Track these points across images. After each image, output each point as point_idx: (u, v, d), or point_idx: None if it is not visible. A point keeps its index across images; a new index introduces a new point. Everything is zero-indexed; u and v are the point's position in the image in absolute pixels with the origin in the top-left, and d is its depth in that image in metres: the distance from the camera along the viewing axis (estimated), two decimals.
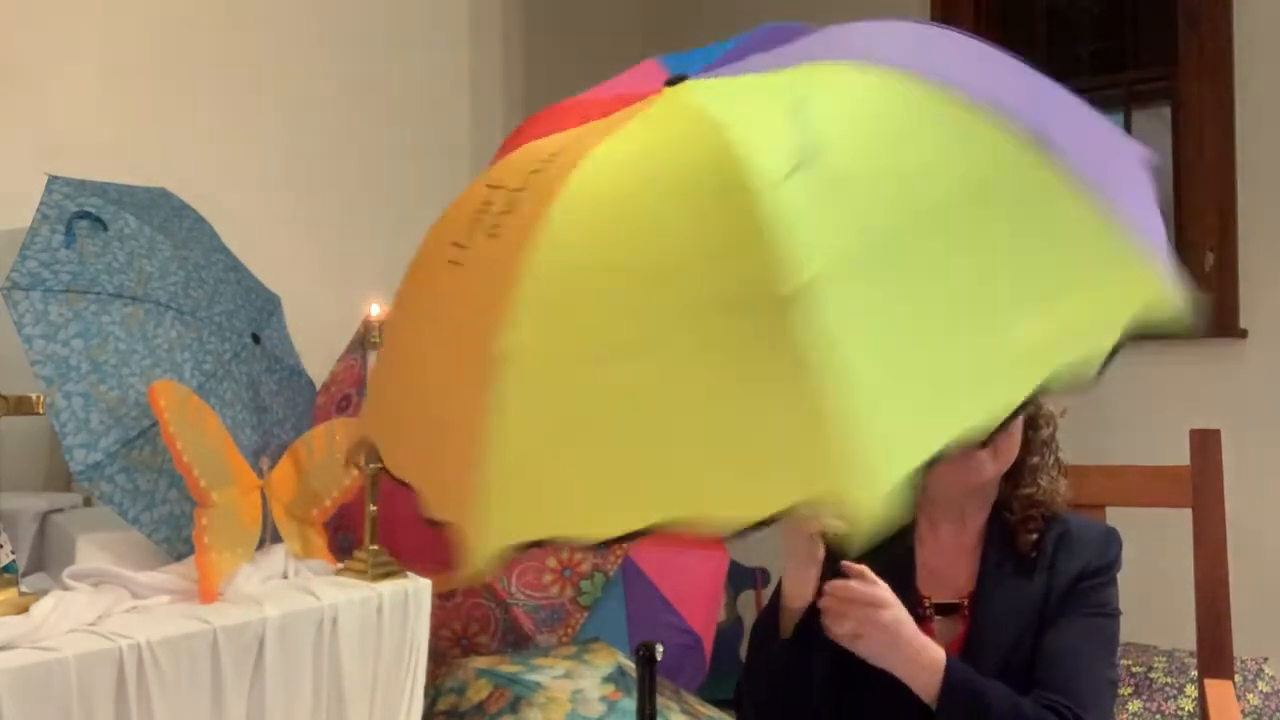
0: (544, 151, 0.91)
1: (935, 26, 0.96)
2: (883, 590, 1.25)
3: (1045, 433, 1.43)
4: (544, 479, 0.77)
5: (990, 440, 0.73)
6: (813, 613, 1.29)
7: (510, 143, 1.11)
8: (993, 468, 1.38)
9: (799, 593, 1.31)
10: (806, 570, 1.29)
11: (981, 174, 0.77)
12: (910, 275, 0.73)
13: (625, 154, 0.84)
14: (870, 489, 0.67)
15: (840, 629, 1.24)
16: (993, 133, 0.78)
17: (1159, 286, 0.79)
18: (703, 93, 0.87)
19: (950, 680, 1.27)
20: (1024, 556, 1.40)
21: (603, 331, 0.77)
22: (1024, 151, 0.78)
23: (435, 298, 0.93)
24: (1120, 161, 0.89)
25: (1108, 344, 0.76)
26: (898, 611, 1.26)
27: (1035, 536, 1.40)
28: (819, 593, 1.26)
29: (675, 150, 0.81)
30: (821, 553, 1.26)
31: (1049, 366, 0.73)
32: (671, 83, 0.92)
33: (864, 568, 1.26)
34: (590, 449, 0.75)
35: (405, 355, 0.96)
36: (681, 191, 0.78)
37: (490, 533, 0.75)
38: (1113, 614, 1.40)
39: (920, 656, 1.27)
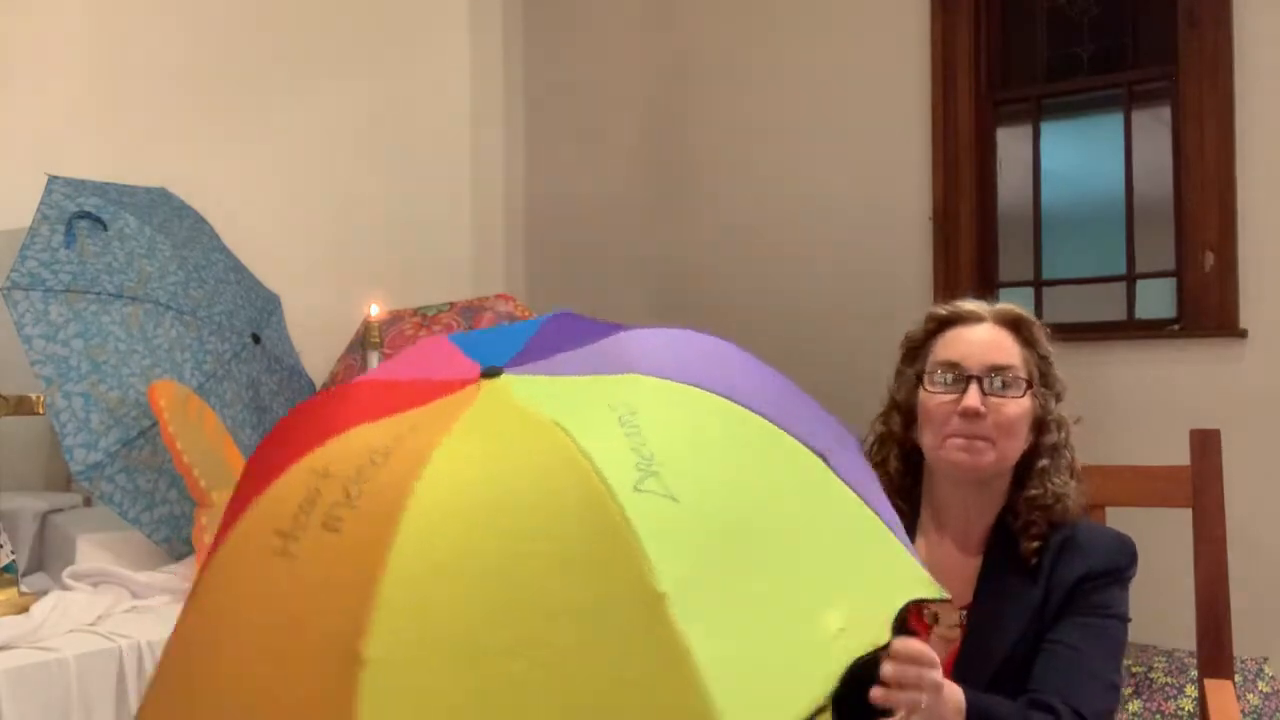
0: (375, 443, 0.93)
1: (707, 339, 1.05)
2: (936, 671, 1.17)
3: (1056, 437, 1.41)
4: None
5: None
6: None
7: (287, 426, 1.09)
8: (992, 455, 1.36)
9: None
10: None
11: (785, 482, 0.90)
12: (742, 577, 0.82)
13: (469, 458, 0.88)
14: None
15: (904, 707, 1.14)
16: (789, 448, 0.92)
17: (920, 575, 0.91)
18: (533, 393, 0.93)
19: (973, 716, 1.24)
20: (1024, 563, 1.39)
21: (475, 634, 0.80)
22: (814, 464, 0.92)
23: (262, 588, 0.91)
24: (850, 449, 1.04)
25: (884, 634, 0.84)
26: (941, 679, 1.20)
27: (1037, 544, 1.38)
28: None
29: (526, 457, 0.87)
30: None
31: (850, 651, 0.81)
32: (487, 374, 0.97)
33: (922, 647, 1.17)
34: None
35: (215, 644, 0.93)
36: (541, 500, 0.84)
37: None
38: (1114, 616, 1.37)
39: (949, 703, 1.22)
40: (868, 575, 0.89)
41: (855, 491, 0.93)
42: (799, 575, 0.85)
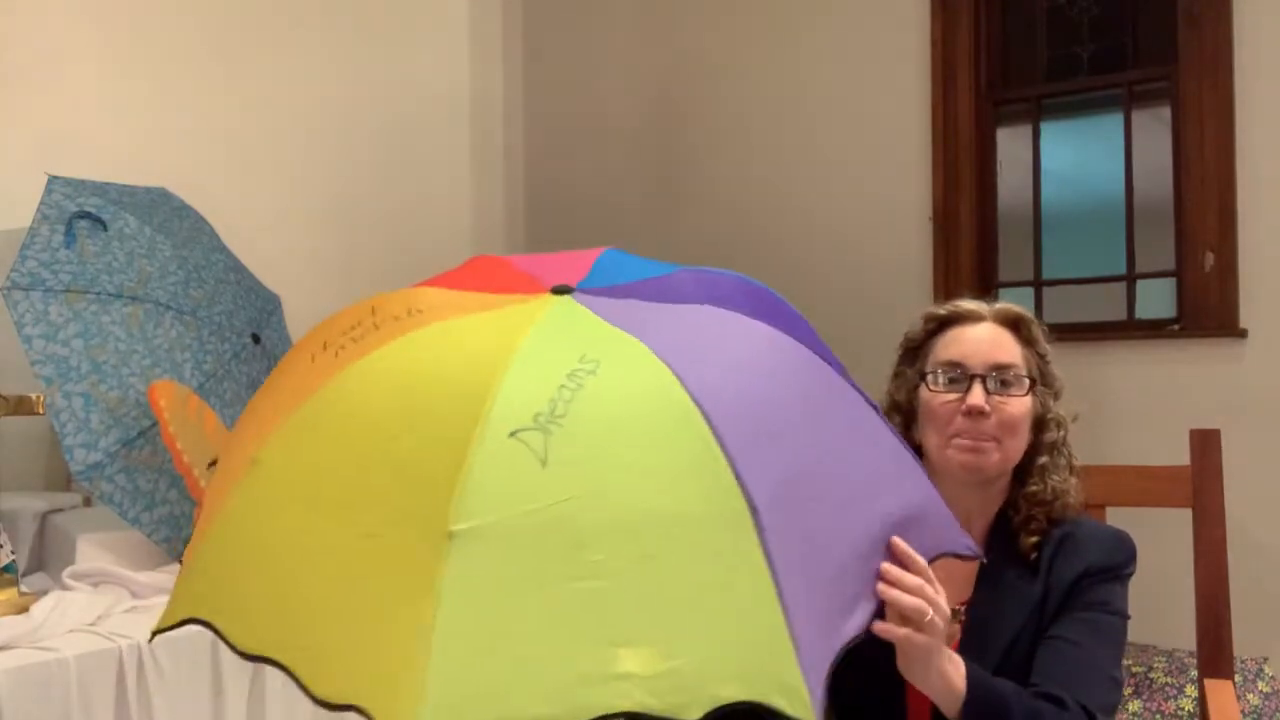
0: (415, 304, 0.99)
1: (780, 343, 0.98)
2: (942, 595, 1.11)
3: (1055, 435, 1.41)
4: (238, 585, 0.90)
5: None
6: None
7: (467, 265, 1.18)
8: (997, 455, 1.37)
9: None
10: None
11: (681, 511, 0.82)
12: (558, 563, 0.79)
13: (432, 346, 0.93)
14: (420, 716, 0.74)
15: (910, 612, 1.06)
16: (721, 486, 0.83)
17: (790, 683, 0.80)
18: (552, 319, 0.95)
19: (974, 693, 1.21)
20: (1024, 559, 1.39)
21: (319, 479, 0.87)
22: (734, 511, 0.82)
23: (284, 379, 1.01)
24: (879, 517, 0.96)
25: (692, 711, 0.78)
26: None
27: (1036, 539, 1.39)
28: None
29: (463, 366, 0.90)
30: None
31: (630, 699, 0.76)
32: (555, 290, 0.99)
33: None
34: (272, 571, 0.87)
35: (245, 424, 1.05)
36: (433, 409, 0.86)
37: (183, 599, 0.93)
38: (1114, 612, 1.37)
39: (952, 659, 1.18)
40: (709, 645, 0.79)
41: (770, 562, 0.81)
42: (623, 599, 0.78)
